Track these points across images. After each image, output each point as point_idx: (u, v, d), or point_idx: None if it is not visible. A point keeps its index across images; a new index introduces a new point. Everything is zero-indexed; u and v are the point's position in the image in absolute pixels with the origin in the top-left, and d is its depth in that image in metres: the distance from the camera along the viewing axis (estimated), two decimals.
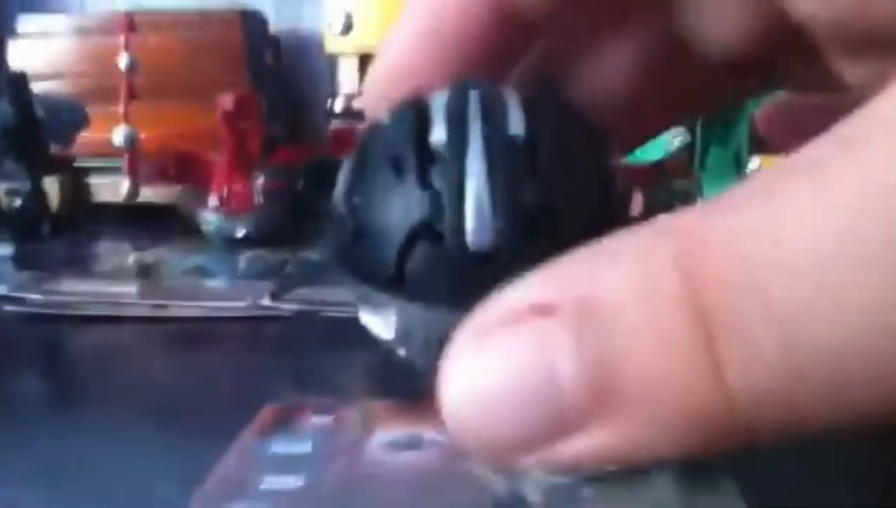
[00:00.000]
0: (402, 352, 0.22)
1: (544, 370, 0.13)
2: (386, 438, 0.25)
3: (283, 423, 0.28)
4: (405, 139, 0.18)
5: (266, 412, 0.30)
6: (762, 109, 0.27)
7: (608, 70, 0.23)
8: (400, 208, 0.19)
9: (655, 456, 0.14)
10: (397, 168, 0.18)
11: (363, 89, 0.26)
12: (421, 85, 0.20)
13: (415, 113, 0.19)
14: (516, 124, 0.18)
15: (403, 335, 0.22)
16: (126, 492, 0.24)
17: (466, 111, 0.18)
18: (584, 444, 0.13)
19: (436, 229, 0.18)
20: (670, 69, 0.22)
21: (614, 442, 0.13)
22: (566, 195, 0.17)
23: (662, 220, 0.13)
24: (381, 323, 0.22)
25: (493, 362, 0.14)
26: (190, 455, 0.26)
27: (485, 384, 0.14)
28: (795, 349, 0.11)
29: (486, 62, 0.21)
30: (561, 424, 0.13)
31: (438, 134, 0.18)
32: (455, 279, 0.20)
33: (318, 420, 0.28)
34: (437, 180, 0.18)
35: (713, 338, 0.11)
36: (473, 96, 0.18)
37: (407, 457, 0.24)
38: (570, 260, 0.14)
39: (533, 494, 0.24)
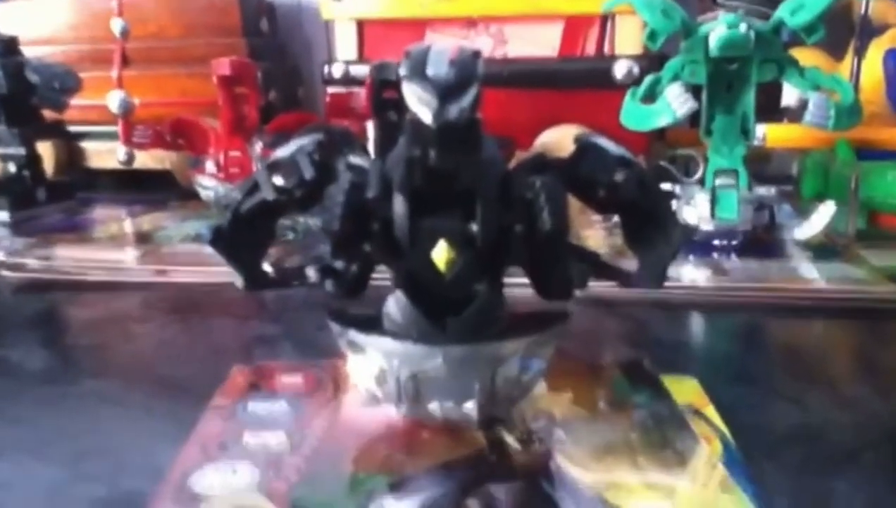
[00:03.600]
0: (379, 395, 0.24)
1: None
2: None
3: (255, 385, 0.28)
4: None
5: (236, 375, 0.30)
6: None
7: None
8: None
9: None
10: None
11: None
12: None
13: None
14: None
15: (380, 375, 0.23)
16: (117, 455, 0.24)
17: None
18: None
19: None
20: None
21: None
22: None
23: None
24: (363, 369, 0.23)
25: None
26: (178, 417, 0.26)
27: None
28: None
29: None
30: None
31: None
32: (420, 319, 0.22)
33: (287, 381, 0.29)
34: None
35: None
36: None
37: (385, 413, 0.24)
38: None
39: (511, 440, 0.24)
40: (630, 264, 0.25)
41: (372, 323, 0.23)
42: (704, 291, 0.39)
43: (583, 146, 0.24)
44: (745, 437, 0.24)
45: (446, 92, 0.19)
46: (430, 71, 0.19)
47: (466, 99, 0.19)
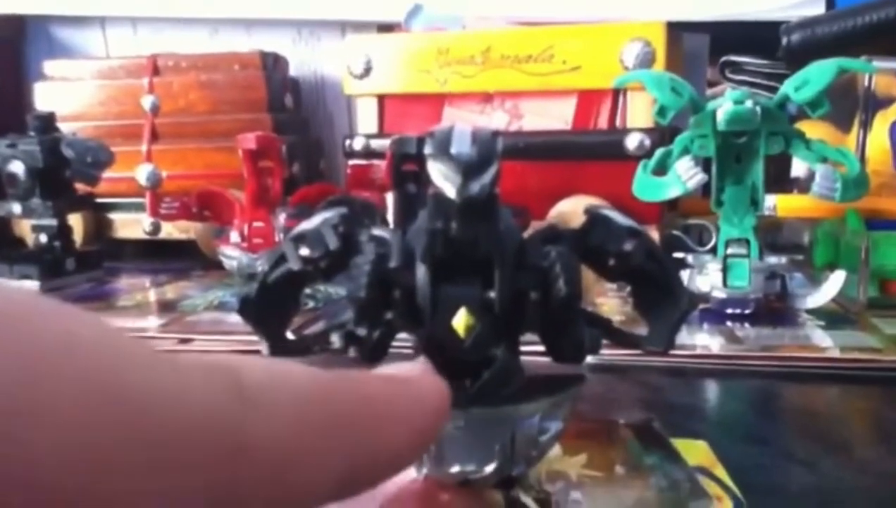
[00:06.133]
0: None
1: None
2: None
3: None
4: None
5: None
6: None
7: None
8: None
9: None
10: None
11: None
12: None
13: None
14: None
15: None
16: None
17: None
18: None
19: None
20: None
21: None
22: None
23: None
24: None
25: None
26: None
27: None
28: None
29: None
30: None
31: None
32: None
33: None
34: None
35: None
36: None
37: (403, 476, 0.25)
38: None
39: (529, 501, 0.25)
40: (642, 331, 0.26)
41: None
42: (717, 358, 0.40)
43: (592, 218, 0.25)
44: (757, 498, 0.24)
45: (469, 169, 0.20)
46: (453, 150, 0.21)
47: (488, 176, 0.20)
